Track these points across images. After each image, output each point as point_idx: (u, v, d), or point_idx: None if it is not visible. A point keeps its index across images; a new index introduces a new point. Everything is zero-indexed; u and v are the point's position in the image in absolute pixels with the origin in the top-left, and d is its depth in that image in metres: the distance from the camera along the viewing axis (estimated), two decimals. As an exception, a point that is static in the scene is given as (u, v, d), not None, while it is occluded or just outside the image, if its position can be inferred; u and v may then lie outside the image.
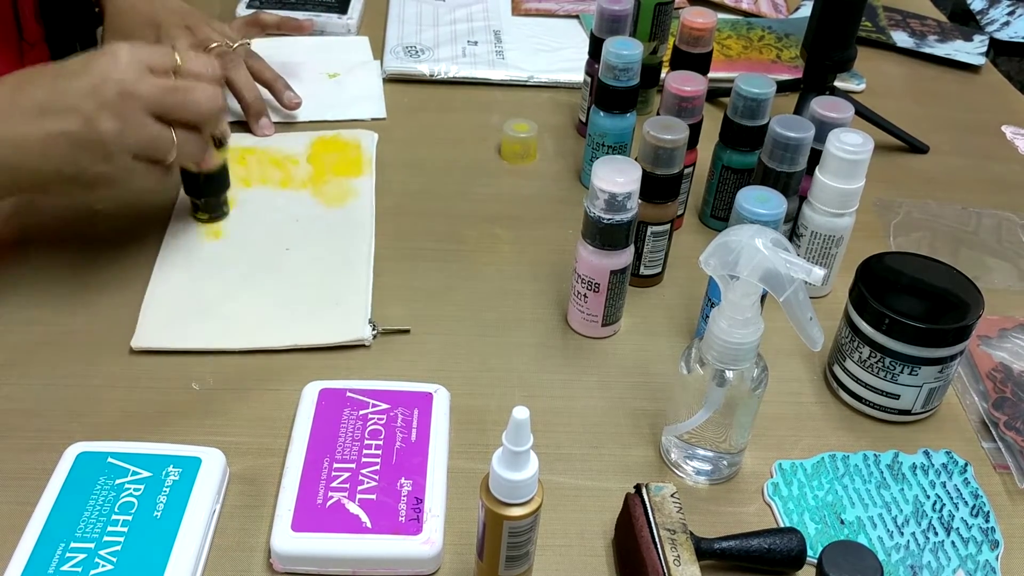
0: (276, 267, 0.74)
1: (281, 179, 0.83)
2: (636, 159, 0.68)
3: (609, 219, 0.65)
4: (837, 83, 0.93)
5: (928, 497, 0.61)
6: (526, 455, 0.46)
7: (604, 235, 0.65)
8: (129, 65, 0.62)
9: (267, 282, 0.73)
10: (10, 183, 0.64)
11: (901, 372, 0.63)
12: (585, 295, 0.69)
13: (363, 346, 0.69)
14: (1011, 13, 1.60)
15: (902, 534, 0.58)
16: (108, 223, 0.78)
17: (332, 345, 0.68)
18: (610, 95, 0.80)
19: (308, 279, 0.73)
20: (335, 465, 0.58)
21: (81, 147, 0.62)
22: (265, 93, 0.91)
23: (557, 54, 1.07)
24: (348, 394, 0.62)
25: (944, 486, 0.61)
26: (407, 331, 0.70)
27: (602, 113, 0.81)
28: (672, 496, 0.54)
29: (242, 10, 1.07)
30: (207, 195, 0.76)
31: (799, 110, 0.90)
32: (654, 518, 0.53)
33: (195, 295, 0.71)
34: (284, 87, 0.91)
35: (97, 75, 0.62)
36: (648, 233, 0.73)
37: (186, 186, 0.76)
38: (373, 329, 0.69)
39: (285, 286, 0.72)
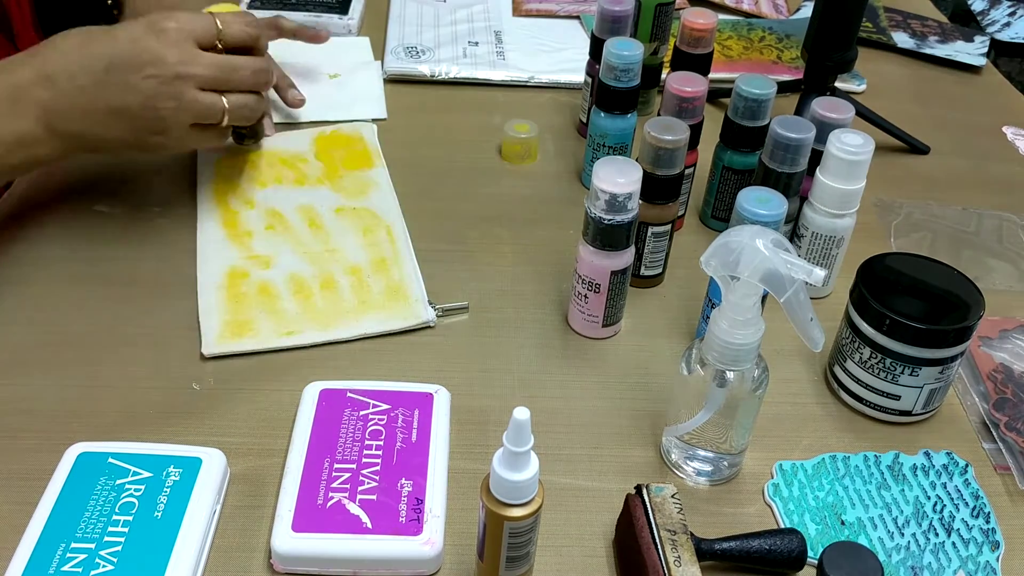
0: (320, 261, 0.75)
1: (296, 178, 0.84)
2: (637, 160, 0.68)
3: (610, 220, 0.65)
4: (838, 84, 0.93)
5: (929, 498, 0.61)
6: (527, 456, 0.46)
7: (605, 236, 0.65)
8: (179, 44, 0.67)
9: (316, 276, 0.73)
10: (76, 148, 0.70)
11: (902, 373, 0.63)
12: (586, 296, 0.69)
13: (363, 344, 0.69)
14: (1012, 14, 1.60)
15: (903, 535, 0.58)
16: (111, 223, 0.78)
17: (399, 331, 0.70)
18: (611, 96, 0.80)
19: (358, 270, 0.74)
20: (335, 465, 0.58)
21: (140, 120, 0.68)
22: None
23: (558, 55, 1.07)
24: (348, 394, 0.62)
25: (945, 487, 0.61)
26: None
27: (603, 114, 0.81)
28: (673, 497, 0.54)
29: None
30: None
31: (800, 111, 0.90)
32: (655, 519, 0.53)
33: (249, 297, 0.71)
34: (288, 85, 0.92)
35: (152, 57, 0.66)
36: (649, 234, 0.73)
37: None
38: (434, 309, 0.71)
39: (337, 278, 0.73)
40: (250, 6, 1.08)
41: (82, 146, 0.70)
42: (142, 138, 0.70)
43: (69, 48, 0.67)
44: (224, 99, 0.70)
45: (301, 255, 0.75)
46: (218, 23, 0.71)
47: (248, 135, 0.84)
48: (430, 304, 0.71)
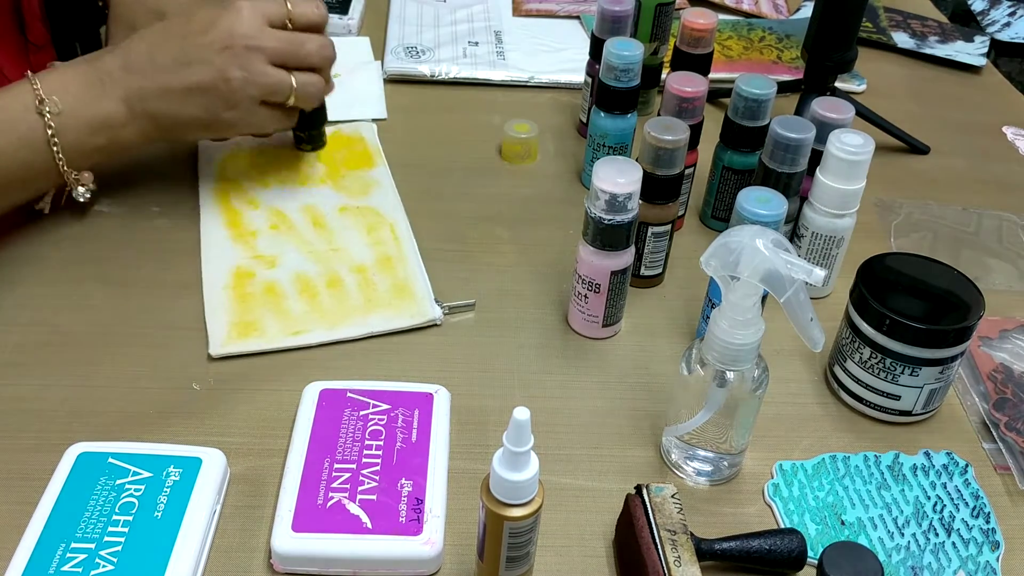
0: (325, 260, 0.75)
1: (299, 178, 0.84)
2: (637, 160, 0.68)
3: (610, 220, 0.65)
4: (838, 84, 0.93)
5: (929, 498, 0.61)
6: (527, 456, 0.46)
7: (605, 236, 0.65)
8: (251, 20, 0.72)
9: (321, 275, 0.73)
10: (154, 129, 0.73)
11: (902, 373, 0.63)
12: (586, 296, 0.69)
13: (364, 344, 0.69)
14: (1012, 14, 1.60)
15: (903, 535, 0.58)
16: (111, 223, 0.78)
17: (405, 329, 0.70)
18: (611, 96, 0.80)
19: (364, 268, 0.74)
20: (335, 466, 0.58)
21: (213, 95, 0.71)
22: None
23: (558, 55, 1.07)
24: (348, 394, 0.62)
25: (945, 487, 0.61)
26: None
27: (603, 114, 0.81)
28: (673, 497, 0.54)
29: (243, 10, 1.07)
30: (313, 128, 0.85)
31: (800, 111, 0.90)
32: (655, 519, 0.53)
33: (255, 297, 0.71)
34: None
35: (224, 31, 0.71)
36: (649, 234, 0.73)
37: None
38: (441, 307, 0.71)
39: (342, 276, 0.73)
40: (250, 6, 1.08)
41: (161, 128, 0.73)
42: (215, 114, 0.73)
43: (150, 36, 0.73)
44: (292, 76, 0.73)
45: (306, 254, 0.75)
46: (288, 5, 0.74)
47: (306, 140, 0.86)
48: (436, 302, 0.71)
